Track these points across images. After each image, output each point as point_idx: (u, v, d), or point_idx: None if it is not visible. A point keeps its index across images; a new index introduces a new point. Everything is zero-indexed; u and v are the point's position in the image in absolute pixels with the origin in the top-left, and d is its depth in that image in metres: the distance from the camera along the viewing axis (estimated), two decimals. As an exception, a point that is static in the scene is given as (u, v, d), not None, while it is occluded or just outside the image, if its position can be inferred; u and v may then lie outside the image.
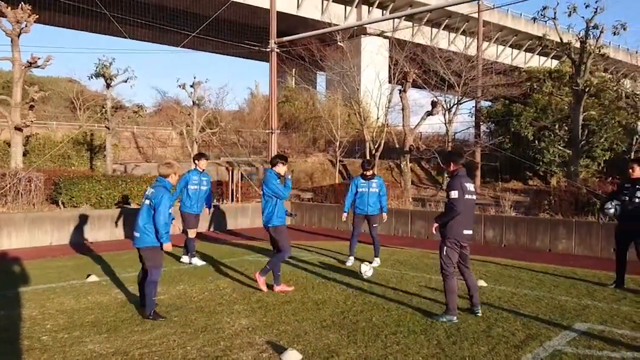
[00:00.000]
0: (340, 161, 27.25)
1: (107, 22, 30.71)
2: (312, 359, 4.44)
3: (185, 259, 9.13)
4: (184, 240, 9.16)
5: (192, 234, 9.04)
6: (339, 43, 26.47)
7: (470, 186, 5.78)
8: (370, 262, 8.39)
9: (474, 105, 28.37)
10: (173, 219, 5.97)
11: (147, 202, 5.78)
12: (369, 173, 9.20)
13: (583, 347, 4.79)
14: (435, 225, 5.95)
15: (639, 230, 7.09)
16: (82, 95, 30.39)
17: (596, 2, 14.20)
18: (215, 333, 5.15)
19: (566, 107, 22.37)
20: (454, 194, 5.63)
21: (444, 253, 5.76)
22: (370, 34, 38.22)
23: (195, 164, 9.23)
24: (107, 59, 18.68)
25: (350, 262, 9.13)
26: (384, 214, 9.34)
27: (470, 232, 5.84)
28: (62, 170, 15.74)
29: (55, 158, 20.24)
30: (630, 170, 7.30)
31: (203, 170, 9.21)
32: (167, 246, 5.77)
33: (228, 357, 4.48)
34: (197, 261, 9.00)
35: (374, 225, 9.21)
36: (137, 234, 5.77)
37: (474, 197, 5.89)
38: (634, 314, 5.91)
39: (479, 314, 5.79)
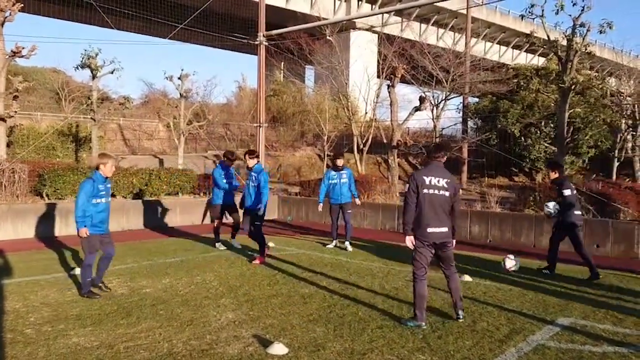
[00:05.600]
0: (327, 155, 27.26)
1: (93, 12, 30.30)
2: (298, 353, 4.45)
3: (218, 245, 10.03)
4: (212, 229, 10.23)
5: (217, 223, 10.08)
6: (327, 37, 26.43)
7: (435, 180, 5.22)
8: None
9: (462, 101, 28.52)
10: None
11: None
12: (339, 164, 10.11)
13: (565, 342, 4.86)
14: (405, 232, 5.35)
15: (567, 225, 7.82)
16: (68, 86, 30.00)
17: (583, 0, 14.34)
18: (202, 327, 5.14)
19: (552, 105, 22.58)
20: (406, 186, 5.30)
21: (413, 254, 5.34)
22: (359, 29, 38.22)
23: (229, 160, 10.03)
24: (93, 50, 18.49)
25: (331, 245, 10.27)
26: (357, 200, 10.30)
27: (435, 230, 5.21)
28: (47, 162, 15.54)
29: (40, 149, 19.99)
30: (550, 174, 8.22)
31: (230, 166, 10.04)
32: (79, 232, 6.08)
33: (214, 351, 4.48)
34: (220, 246, 9.95)
35: (347, 211, 10.16)
36: None
37: (441, 192, 5.23)
38: (616, 309, 6.00)
39: (461, 319, 5.38)
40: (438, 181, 5.24)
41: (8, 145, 15.76)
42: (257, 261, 8.50)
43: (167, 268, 8.04)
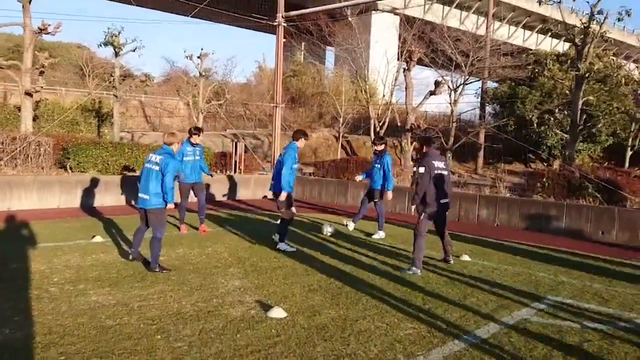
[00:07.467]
0: (344, 137, 27.49)
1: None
2: (296, 317, 4.84)
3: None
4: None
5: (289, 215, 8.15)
6: (348, 19, 26.47)
7: (439, 164, 6.92)
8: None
9: (480, 86, 28.41)
10: None
11: (157, 167, 6.32)
12: (378, 148, 9.66)
13: (548, 318, 5.16)
14: (415, 201, 7.05)
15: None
16: (91, 62, 30.60)
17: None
18: (209, 292, 5.57)
19: (568, 92, 22.41)
20: (422, 169, 6.86)
21: (420, 219, 6.96)
22: (380, 10, 37.98)
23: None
24: (116, 28, 18.89)
25: (351, 227, 10.12)
26: (389, 193, 9.56)
27: (444, 200, 6.97)
28: (71, 136, 16.10)
29: (64, 124, 20.61)
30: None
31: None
32: (171, 206, 6.40)
33: (219, 312, 4.90)
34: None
35: (375, 199, 9.72)
36: (145, 197, 6.38)
37: (445, 172, 6.98)
38: (604, 291, 6.27)
39: (451, 262, 7.33)
40: (441, 164, 6.98)
41: (34, 119, 16.35)
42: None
43: (181, 239, 8.50)
